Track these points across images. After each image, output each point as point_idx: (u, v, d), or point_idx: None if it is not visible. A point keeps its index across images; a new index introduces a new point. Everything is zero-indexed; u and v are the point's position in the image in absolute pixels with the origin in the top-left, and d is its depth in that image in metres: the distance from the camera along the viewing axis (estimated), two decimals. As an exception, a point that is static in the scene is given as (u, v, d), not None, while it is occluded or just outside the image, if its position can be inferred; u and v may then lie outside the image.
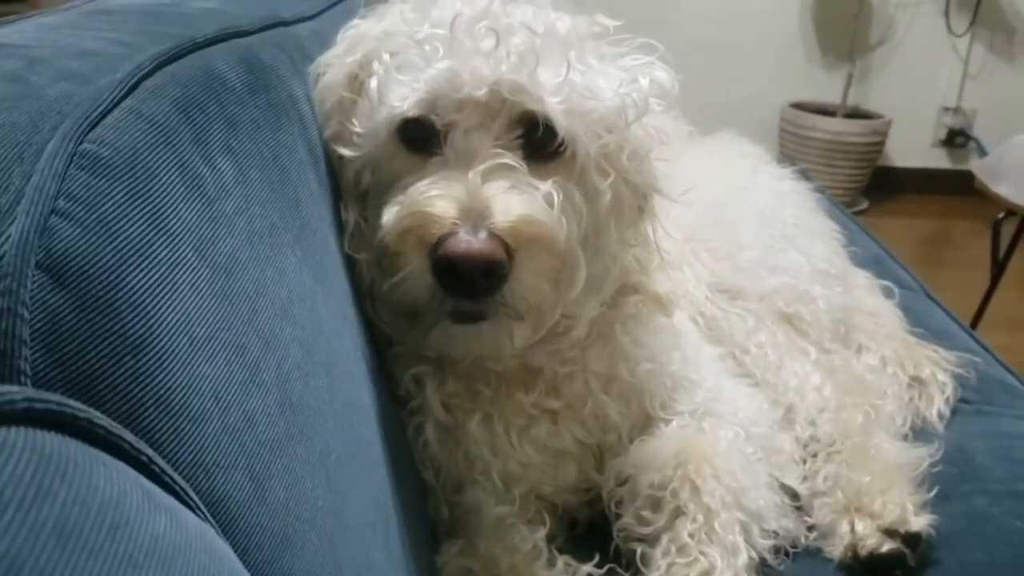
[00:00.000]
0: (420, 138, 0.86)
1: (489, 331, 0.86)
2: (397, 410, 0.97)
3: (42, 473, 0.30)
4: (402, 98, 0.84)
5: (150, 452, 0.39)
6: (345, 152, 0.89)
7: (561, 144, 0.87)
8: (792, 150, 4.09)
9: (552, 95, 0.84)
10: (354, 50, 0.91)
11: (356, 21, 0.96)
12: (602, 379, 1.02)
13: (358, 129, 0.87)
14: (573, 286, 0.89)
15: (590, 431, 1.03)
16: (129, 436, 0.38)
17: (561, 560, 0.95)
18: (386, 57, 0.87)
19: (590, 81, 0.87)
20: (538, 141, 0.87)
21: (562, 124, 0.85)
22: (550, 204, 0.85)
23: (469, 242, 0.78)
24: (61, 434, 0.34)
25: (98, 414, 0.36)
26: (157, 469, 0.40)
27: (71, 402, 0.35)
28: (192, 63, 0.69)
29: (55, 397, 0.34)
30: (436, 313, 0.83)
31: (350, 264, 0.89)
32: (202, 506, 0.45)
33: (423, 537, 0.93)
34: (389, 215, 0.83)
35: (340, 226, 0.89)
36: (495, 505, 0.97)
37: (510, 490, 0.99)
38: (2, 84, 0.57)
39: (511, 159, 0.84)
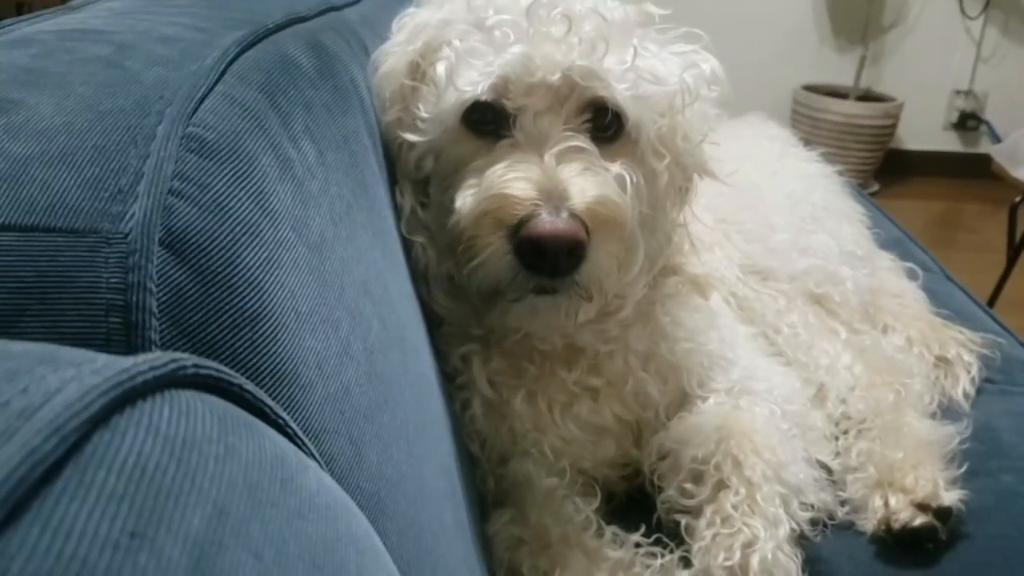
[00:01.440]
0: (487, 122, 0.88)
1: (564, 305, 0.88)
2: (446, 384, 1.00)
3: (225, 432, 0.33)
4: (473, 82, 0.86)
5: (285, 416, 0.42)
6: (410, 137, 0.90)
7: (623, 127, 0.90)
8: (804, 132, 4.09)
9: (620, 81, 0.87)
10: (415, 39, 0.93)
11: (412, 10, 0.99)
12: (642, 357, 1.05)
13: (424, 115, 0.89)
14: (632, 267, 0.92)
15: (629, 408, 1.06)
16: (270, 402, 0.41)
17: (609, 531, 0.98)
18: (456, 43, 0.89)
19: (652, 66, 0.90)
20: (603, 124, 0.90)
21: (629, 109, 0.88)
22: (621, 186, 0.87)
23: (554, 222, 0.80)
24: (221, 398, 0.37)
25: (245, 381, 0.39)
26: (291, 432, 0.43)
27: (226, 369, 0.38)
28: (267, 48, 0.72)
29: (214, 364, 0.37)
30: (519, 290, 0.85)
31: (405, 246, 0.92)
32: (325, 468, 0.48)
33: (475, 507, 0.96)
34: (464, 199, 0.85)
35: (396, 209, 0.91)
36: (545, 477, 1.00)
37: (559, 461, 1.02)
38: (102, 69, 0.60)
39: (582, 142, 0.87)
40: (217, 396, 0.37)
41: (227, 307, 0.50)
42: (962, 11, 4.37)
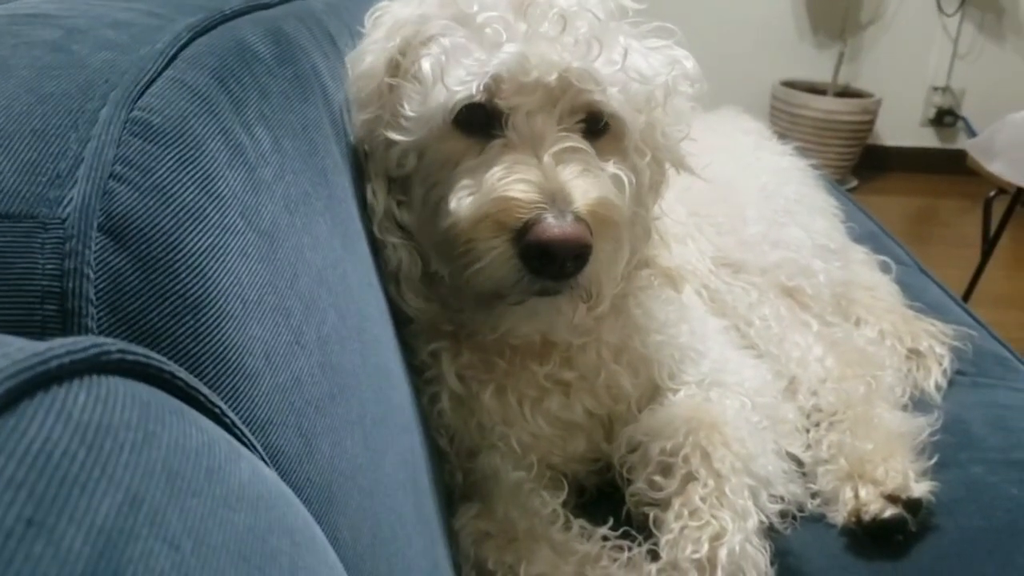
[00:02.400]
0: (477, 120, 0.86)
1: (564, 305, 0.89)
2: (414, 378, 0.98)
3: (145, 418, 0.32)
4: (463, 81, 0.83)
5: (222, 405, 0.41)
6: (392, 136, 0.88)
7: (611, 125, 0.90)
8: (783, 128, 4.11)
9: (613, 84, 0.86)
10: (393, 35, 0.90)
11: (384, 3, 0.97)
12: (614, 350, 1.04)
13: (409, 113, 0.87)
14: (620, 263, 0.92)
15: (601, 402, 1.05)
16: (204, 390, 0.40)
17: (576, 524, 0.97)
18: (443, 40, 0.87)
19: (638, 64, 0.90)
20: (594, 124, 0.89)
21: (622, 109, 0.88)
22: (618, 186, 0.88)
23: (563, 226, 0.80)
24: (149, 385, 0.35)
25: (177, 367, 0.38)
26: (229, 422, 0.42)
27: (156, 355, 0.37)
28: (223, 34, 0.70)
29: (142, 350, 0.36)
30: (522, 293, 0.84)
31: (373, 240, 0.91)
32: (267, 459, 0.47)
33: (441, 501, 0.95)
34: (460, 200, 0.84)
35: (361, 199, 0.90)
36: (512, 470, 0.99)
37: (527, 456, 1.01)
38: (47, 53, 0.58)
39: (577, 141, 0.86)
40: (145, 383, 0.35)
41: (168, 294, 0.48)
42: (939, 8, 4.39)
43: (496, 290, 0.84)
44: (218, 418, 0.41)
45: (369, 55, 0.91)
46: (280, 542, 0.36)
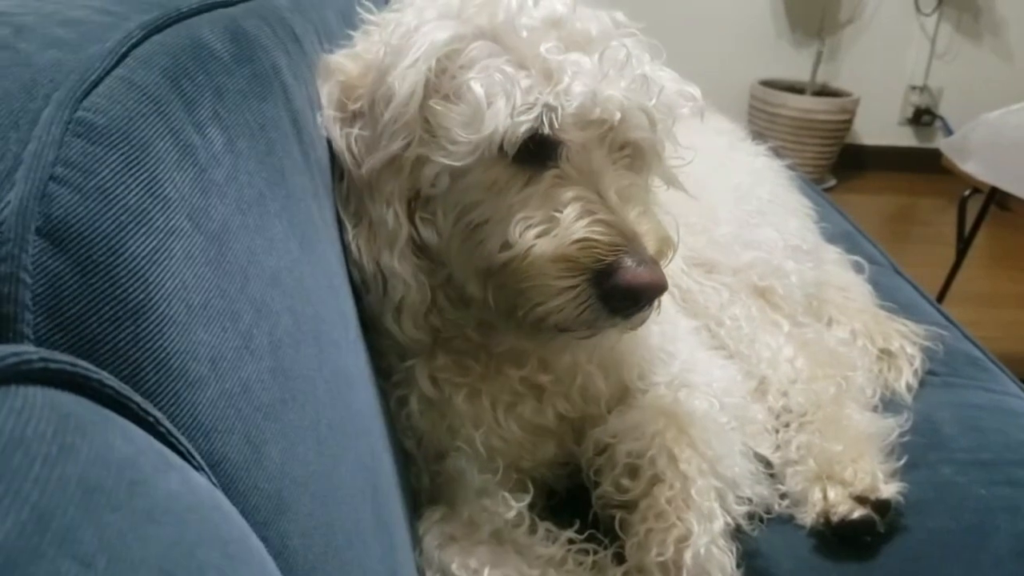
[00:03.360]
0: (528, 151, 0.85)
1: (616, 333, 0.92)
2: (379, 380, 0.97)
3: (63, 430, 0.31)
4: (522, 111, 0.82)
5: (157, 413, 0.40)
6: (435, 157, 0.86)
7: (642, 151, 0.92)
8: (761, 127, 4.12)
9: (661, 121, 0.89)
10: (429, 58, 0.86)
11: (390, 17, 0.95)
12: (588, 351, 1.03)
13: (459, 136, 0.84)
14: None
15: (574, 404, 1.04)
16: (137, 398, 0.39)
17: (542, 527, 0.97)
18: (488, 63, 0.85)
19: (669, 97, 0.90)
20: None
21: (660, 144, 0.91)
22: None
23: (652, 272, 0.82)
24: (74, 394, 0.34)
25: (108, 375, 0.37)
26: (164, 430, 0.41)
27: (83, 363, 0.36)
28: (179, 33, 0.69)
29: (68, 358, 0.35)
30: (596, 329, 0.87)
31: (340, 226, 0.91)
32: (206, 468, 0.46)
33: (406, 505, 0.94)
34: (525, 235, 0.84)
35: (320, 194, 0.88)
36: (478, 473, 0.98)
37: (493, 459, 1.00)
38: (-8, 51, 0.57)
39: (632, 179, 0.89)
40: (70, 392, 0.34)
41: (109, 299, 0.47)
42: (917, 8, 4.41)
43: (564, 325, 0.86)
44: (152, 427, 0.40)
45: (406, 82, 0.86)
46: (209, 555, 0.35)
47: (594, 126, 0.86)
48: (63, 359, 0.34)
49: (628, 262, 0.81)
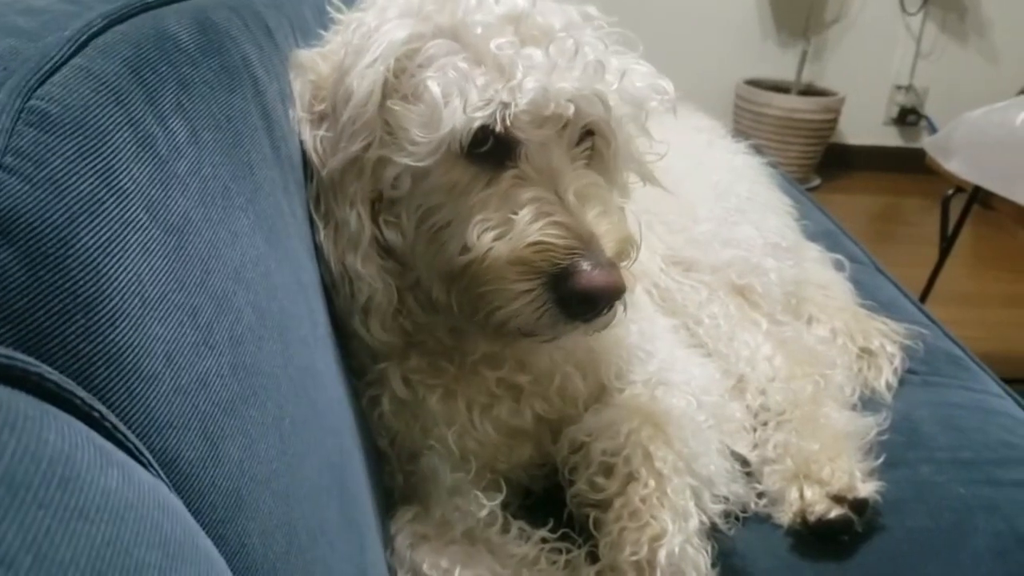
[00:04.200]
0: (485, 149, 0.84)
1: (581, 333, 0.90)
2: (351, 379, 0.96)
3: (-9, 425, 0.30)
4: (478, 107, 0.81)
5: (102, 408, 0.39)
6: (395, 157, 0.85)
7: (600, 139, 0.91)
8: (746, 126, 4.12)
9: (616, 105, 0.87)
10: (387, 58, 0.86)
11: (354, 16, 0.94)
12: (566, 351, 1.02)
13: (417, 136, 0.83)
14: None
15: (552, 405, 1.03)
16: (81, 392, 0.37)
17: (515, 526, 0.96)
18: (445, 62, 0.84)
19: (631, 84, 0.88)
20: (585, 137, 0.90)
21: (619, 130, 0.89)
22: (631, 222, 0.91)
23: (606, 276, 0.81)
24: (10, 388, 0.33)
25: (49, 369, 0.36)
26: (109, 425, 0.40)
27: (21, 356, 0.35)
28: (143, 23, 0.68)
29: (4, 351, 0.34)
30: (555, 333, 0.86)
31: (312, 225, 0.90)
32: (155, 464, 0.45)
33: (378, 504, 0.93)
34: (482, 238, 0.83)
35: (290, 189, 0.87)
36: (451, 472, 0.97)
37: (467, 459, 0.99)
38: (-54, 40, 0.56)
39: (592, 177, 0.88)
40: (6, 385, 0.33)
41: (59, 291, 0.46)
42: (902, 7, 4.41)
43: (523, 329, 0.85)
44: (97, 422, 0.38)
45: (364, 81, 0.86)
46: (148, 555, 0.34)
47: (551, 123, 0.85)
48: (0, 352, 0.33)
49: (584, 265, 0.80)
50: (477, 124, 0.81)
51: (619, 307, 0.85)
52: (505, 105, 0.81)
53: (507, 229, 0.82)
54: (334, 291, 0.91)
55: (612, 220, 0.86)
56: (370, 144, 0.87)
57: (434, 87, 0.83)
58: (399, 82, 0.86)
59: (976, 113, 2.30)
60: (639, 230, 0.91)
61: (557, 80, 0.82)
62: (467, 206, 0.85)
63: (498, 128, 0.82)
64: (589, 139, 0.90)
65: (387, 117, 0.86)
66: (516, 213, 0.83)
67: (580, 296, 0.81)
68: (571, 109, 0.83)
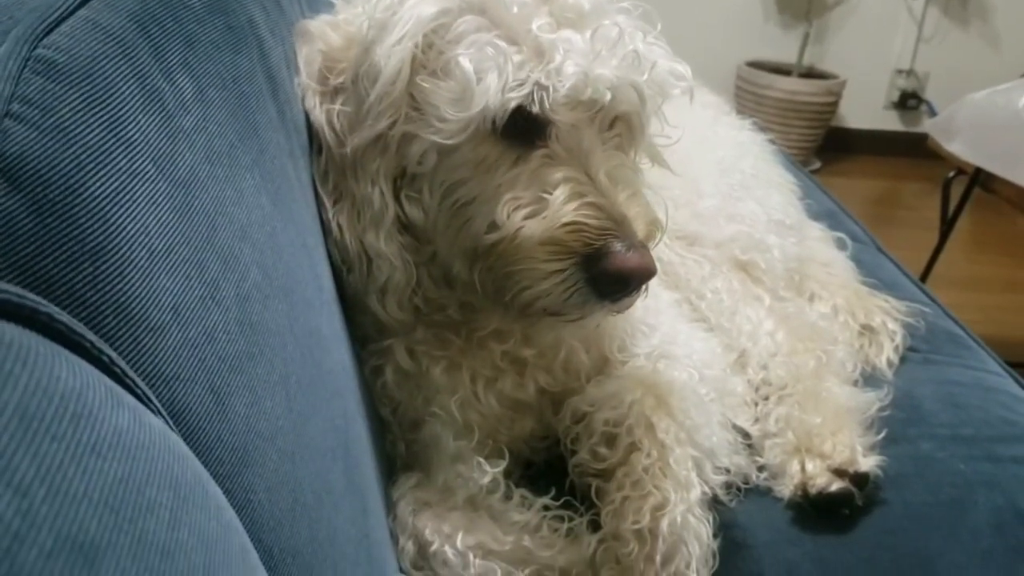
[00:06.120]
0: (517, 129, 0.84)
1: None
2: (356, 347, 0.96)
3: (2, 358, 0.29)
4: (512, 87, 0.80)
5: (112, 353, 0.39)
6: (422, 133, 0.84)
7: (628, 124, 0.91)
8: (748, 108, 4.10)
9: (648, 95, 0.87)
10: (416, 34, 0.84)
11: None
12: (573, 328, 1.02)
13: (447, 113, 0.82)
14: None
15: (556, 378, 1.03)
16: (91, 335, 0.37)
17: (517, 493, 0.96)
18: (477, 38, 0.82)
19: (661, 73, 0.88)
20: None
21: (648, 118, 0.90)
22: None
23: (642, 257, 0.81)
24: (21, 326, 0.33)
25: (58, 310, 0.35)
26: (119, 371, 0.39)
27: (31, 295, 0.34)
28: (149, -22, 0.67)
29: (15, 289, 0.33)
30: (586, 312, 0.86)
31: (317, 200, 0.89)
32: (163, 411, 0.45)
33: (380, 470, 0.93)
34: (513, 217, 0.82)
35: (296, 154, 0.86)
36: (453, 439, 0.97)
37: (470, 429, 0.99)
38: (-50, -11, 0.55)
39: (621, 159, 0.88)
40: (16, 323, 0.33)
41: (66, 239, 0.46)
42: (905, -9, 4.40)
43: (550, 309, 0.85)
44: (106, 366, 0.38)
45: (392, 60, 0.84)
46: (160, 495, 0.34)
47: (584, 106, 0.84)
48: (10, 289, 0.33)
49: (617, 247, 0.80)
50: (513, 104, 0.81)
51: (644, 288, 0.86)
52: (542, 87, 0.81)
53: (539, 208, 0.82)
54: (347, 269, 0.90)
55: (641, 202, 0.87)
56: (396, 121, 0.86)
57: (466, 64, 0.81)
58: (427, 58, 0.85)
59: (979, 95, 2.29)
60: (665, 214, 0.91)
61: (598, 67, 0.82)
62: (494, 183, 0.84)
63: (535, 110, 0.82)
64: (618, 125, 0.90)
65: (414, 93, 0.85)
66: (549, 193, 0.82)
67: (613, 277, 0.81)
68: (608, 96, 0.83)
